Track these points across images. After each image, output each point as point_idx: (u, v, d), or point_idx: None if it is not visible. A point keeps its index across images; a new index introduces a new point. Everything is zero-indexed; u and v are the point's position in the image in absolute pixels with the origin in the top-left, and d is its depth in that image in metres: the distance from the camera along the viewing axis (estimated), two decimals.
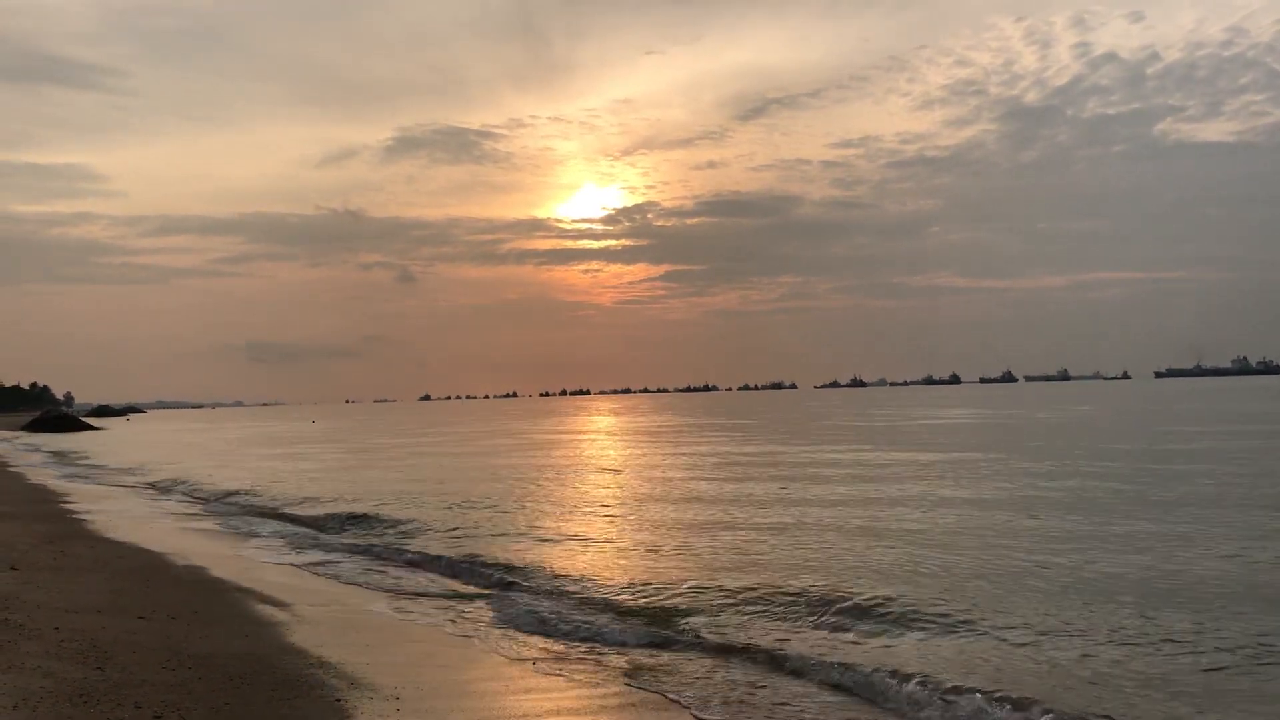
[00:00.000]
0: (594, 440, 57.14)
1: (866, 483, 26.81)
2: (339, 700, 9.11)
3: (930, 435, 51.91)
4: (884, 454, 38.19)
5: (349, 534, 21.15)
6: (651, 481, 29.64)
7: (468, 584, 15.52)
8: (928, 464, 32.46)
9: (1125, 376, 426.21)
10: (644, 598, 13.59)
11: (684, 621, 12.17)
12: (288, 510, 25.43)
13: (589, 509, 23.25)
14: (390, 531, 21.06)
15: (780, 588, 13.60)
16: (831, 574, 14.41)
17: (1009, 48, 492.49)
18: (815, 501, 23.05)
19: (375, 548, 19.18)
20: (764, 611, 12.54)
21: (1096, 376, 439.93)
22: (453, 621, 12.91)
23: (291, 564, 17.78)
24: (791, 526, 19.24)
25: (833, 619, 11.96)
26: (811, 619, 12.08)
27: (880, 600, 12.57)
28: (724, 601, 13.08)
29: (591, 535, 19.27)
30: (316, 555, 18.67)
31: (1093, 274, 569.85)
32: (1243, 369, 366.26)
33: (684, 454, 42.64)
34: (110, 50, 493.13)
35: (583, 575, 15.35)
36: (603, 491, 27.20)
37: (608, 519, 21.48)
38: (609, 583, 14.67)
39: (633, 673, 10.37)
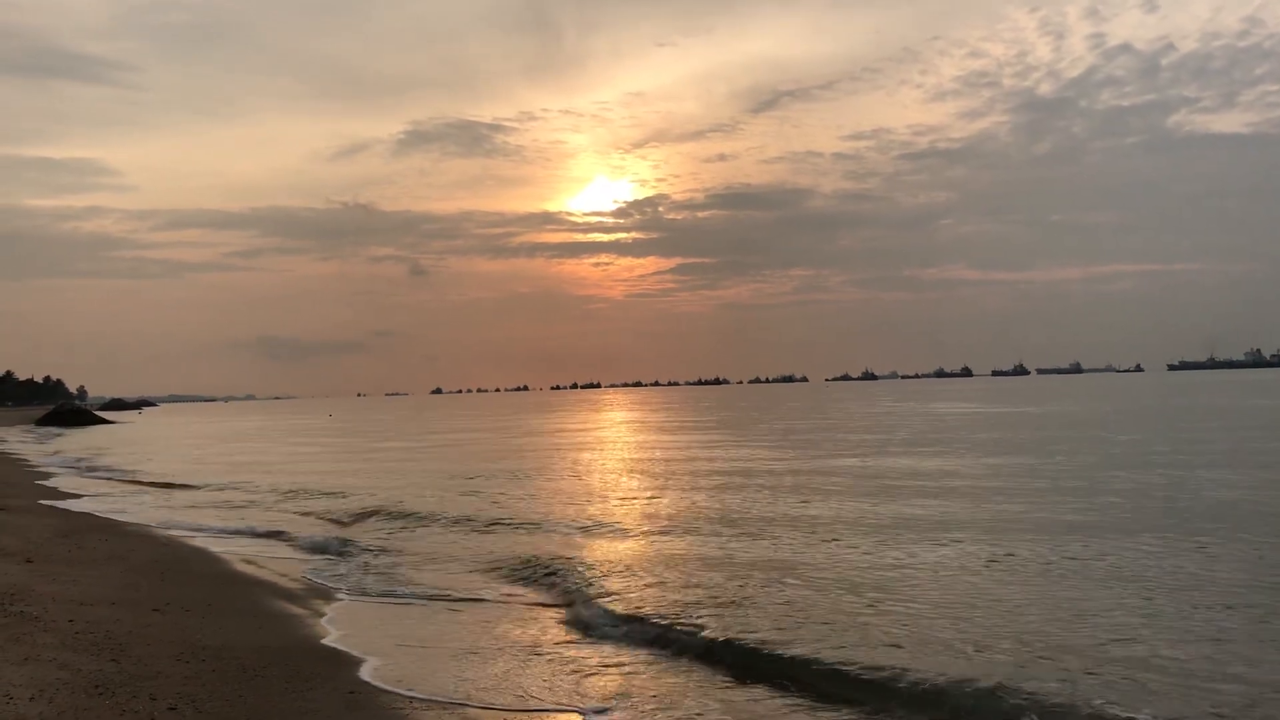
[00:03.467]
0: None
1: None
2: (352, 692, 9.14)
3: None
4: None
5: (370, 530, 21.16)
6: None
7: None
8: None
9: (1138, 369, 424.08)
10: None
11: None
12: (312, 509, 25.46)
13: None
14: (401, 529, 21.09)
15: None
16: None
17: (1023, 39, 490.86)
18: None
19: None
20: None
21: (1109, 369, 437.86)
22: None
23: (304, 560, 17.85)
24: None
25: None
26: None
27: None
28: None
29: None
30: (330, 556, 18.70)
31: (1106, 266, 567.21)
32: (1256, 361, 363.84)
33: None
34: (121, 45, 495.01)
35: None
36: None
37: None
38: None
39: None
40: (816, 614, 11.54)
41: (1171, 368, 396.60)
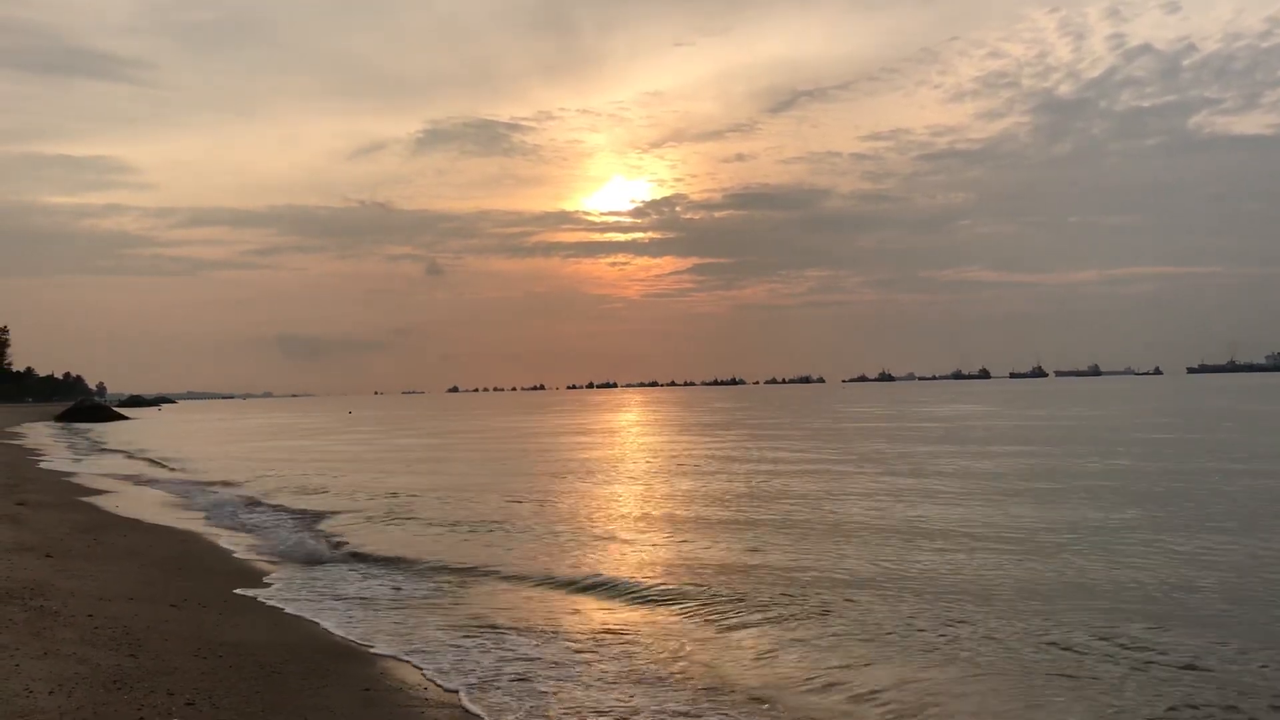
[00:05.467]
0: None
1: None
2: (368, 690, 9.16)
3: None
4: None
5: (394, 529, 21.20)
6: None
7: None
8: None
9: (1157, 372, 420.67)
10: None
11: None
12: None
13: None
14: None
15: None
16: None
17: (1042, 39, 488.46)
18: None
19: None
20: None
21: (1128, 372, 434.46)
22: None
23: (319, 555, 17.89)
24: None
25: None
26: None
27: None
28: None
29: None
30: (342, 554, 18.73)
31: (1125, 268, 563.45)
32: (1277, 365, 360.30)
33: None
34: (142, 43, 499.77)
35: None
36: None
37: None
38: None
39: None
40: None
41: (1191, 370, 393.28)
